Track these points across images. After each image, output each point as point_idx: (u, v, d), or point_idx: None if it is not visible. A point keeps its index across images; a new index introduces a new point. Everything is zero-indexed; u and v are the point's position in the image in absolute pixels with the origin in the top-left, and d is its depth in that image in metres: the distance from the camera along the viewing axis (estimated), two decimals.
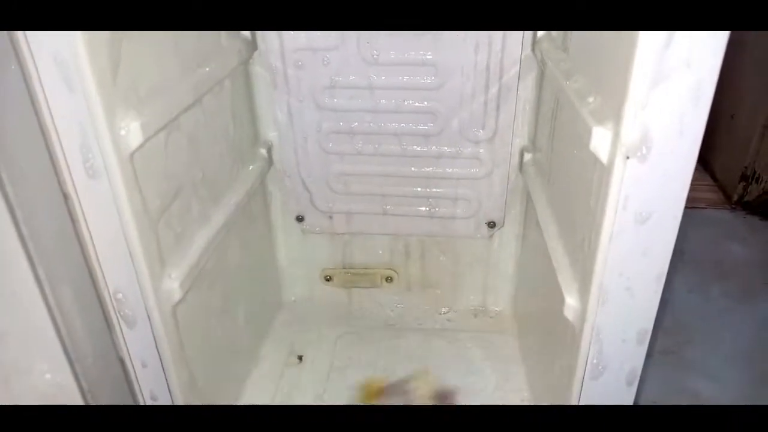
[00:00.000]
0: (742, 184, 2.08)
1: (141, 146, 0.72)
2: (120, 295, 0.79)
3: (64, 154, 0.68)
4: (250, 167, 1.14)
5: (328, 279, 1.36)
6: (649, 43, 0.55)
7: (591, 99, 0.72)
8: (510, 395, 1.14)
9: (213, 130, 0.98)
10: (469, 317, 1.35)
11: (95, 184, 0.70)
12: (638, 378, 0.79)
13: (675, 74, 0.56)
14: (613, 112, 0.62)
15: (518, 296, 1.33)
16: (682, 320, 1.72)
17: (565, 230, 0.86)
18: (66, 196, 0.71)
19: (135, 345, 0.83)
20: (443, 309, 1.38)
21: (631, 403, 0.81)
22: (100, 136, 0.66)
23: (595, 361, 0.76)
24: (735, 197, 2.12)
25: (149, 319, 0.80)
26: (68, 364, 0.76)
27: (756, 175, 2.06)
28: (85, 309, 0.78)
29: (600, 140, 0.64)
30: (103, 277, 0.77)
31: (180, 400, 0.87)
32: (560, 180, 0.92)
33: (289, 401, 1.13)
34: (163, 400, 0.87)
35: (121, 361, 0.85)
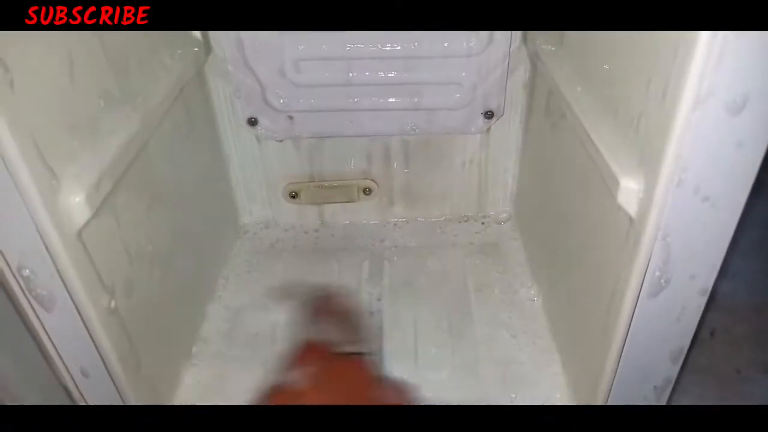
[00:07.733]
0: None
1: None
2: (26, 272, 0.55)
3: None
4: (178, 52, 0.88)
5: (293, 195, 1.13)
6: None
7: None
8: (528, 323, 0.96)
9: None
10: (465, 230, 1.15)
11: None
12: (701, 309, 0.60)
13: None
14: None
15: (525, 201, 1.11)
16: None
17: (607, 107, 0.64)
18: None
19: (57, 335, 0.61)
20: (433, 221, 1.17)
21: (692, 331, 0.62)
22: None
23: (657, 273, 0.56)
24: None
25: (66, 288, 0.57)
26: None
27: None
28: None
29: None
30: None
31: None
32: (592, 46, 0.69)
33: None
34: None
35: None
